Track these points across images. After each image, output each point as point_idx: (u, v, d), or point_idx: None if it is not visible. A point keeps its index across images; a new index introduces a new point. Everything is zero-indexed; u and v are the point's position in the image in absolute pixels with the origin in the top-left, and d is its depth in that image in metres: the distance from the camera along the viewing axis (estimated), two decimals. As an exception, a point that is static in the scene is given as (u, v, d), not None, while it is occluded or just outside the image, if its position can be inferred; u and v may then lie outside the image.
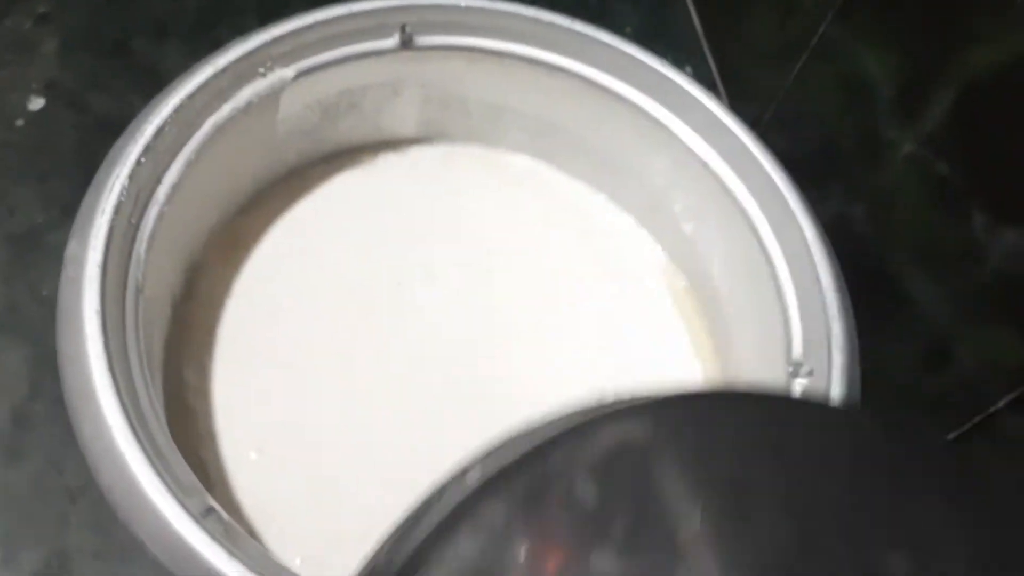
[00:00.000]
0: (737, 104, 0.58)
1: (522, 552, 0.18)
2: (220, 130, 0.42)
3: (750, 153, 0.44)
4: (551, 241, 0.51)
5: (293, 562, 0.37)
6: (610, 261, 0.51)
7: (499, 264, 0.49)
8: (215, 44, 0.43)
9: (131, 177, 0.37)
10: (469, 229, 0.50)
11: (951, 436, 0.47)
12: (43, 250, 0.51)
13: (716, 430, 0.20)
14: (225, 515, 0.32)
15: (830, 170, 0.52)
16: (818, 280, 0.41)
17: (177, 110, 0.39)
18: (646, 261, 0.51)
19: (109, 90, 0.57)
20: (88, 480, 0.45)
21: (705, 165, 0.45)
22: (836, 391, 0.38)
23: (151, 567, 0.43)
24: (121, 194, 0.36)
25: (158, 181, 0.39)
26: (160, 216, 0.38)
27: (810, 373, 0.40)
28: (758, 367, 0.44)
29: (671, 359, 0.48)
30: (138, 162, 0.37)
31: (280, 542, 0.38)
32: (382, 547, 0.21)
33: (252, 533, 0.38)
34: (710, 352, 0.48)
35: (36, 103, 0.57)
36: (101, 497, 0.45)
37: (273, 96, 0.44)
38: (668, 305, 0.50)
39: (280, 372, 0.43)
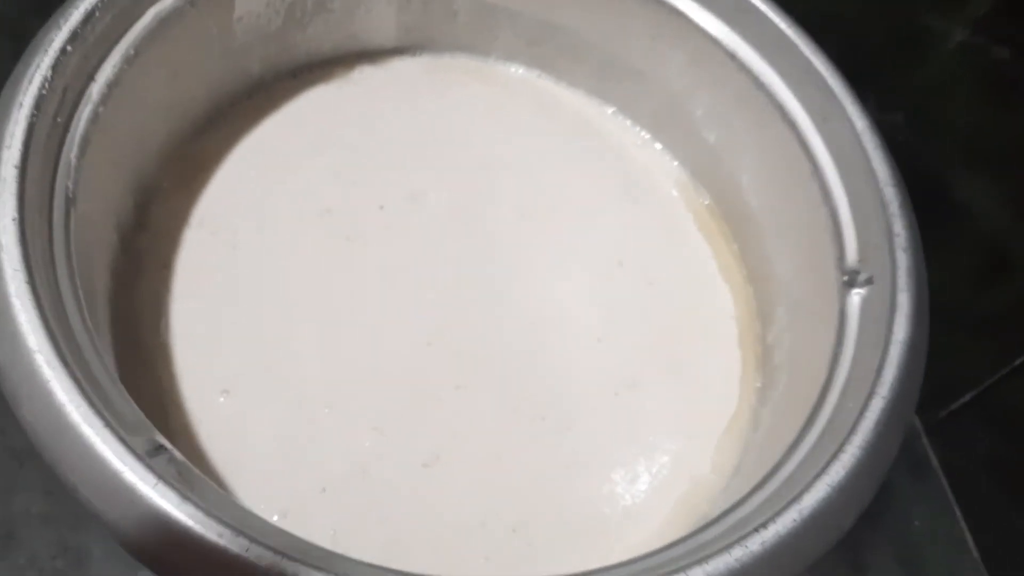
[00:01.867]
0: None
1: None
2: (164, 23, 0.35)
3: (786, 37, 0.38)
4: (551, 160, 0.45)
5: (271, 519, 0.31)
6: (620, 181, 0.45)
7: (494, 187, 0.43)
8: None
9: (55, 68, 0.31)
10: (459, 149, 0.44)
11: (1017, 361, 0.42)
12: (-24, 190, 0.45)
13: None
14: (179, 455, 0.26)
15: (862, 77, 0.46)
16: (872, 174, 0.35)
17: (110, -7, 0.33)
18: (663, 179, 0.45)
19: (50, 17, 0.51)
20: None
21: (732, 56, 0.40)
22: (903, 298, 0.32)
23: (105, 533, 0.38)
24: (43, 86, 0.30)
25: (90, 77, 0.33)
26: (94, 118, 0.32)
27: (869, 281, 0.34)
28: (802, 285, 0.38)
29: (694, 287, 0.42)
30: (63, 51, 0.31)
31: (256, 496, 0.32)
32: None
33: (223, 488, 0.32)
34: (741, 278, 0.43)
35: (-31, 32, 0.51)
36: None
37: (226, -14, 0.38)
38: (690, 227, 0.44)
39: (248, 306, 0.37)
